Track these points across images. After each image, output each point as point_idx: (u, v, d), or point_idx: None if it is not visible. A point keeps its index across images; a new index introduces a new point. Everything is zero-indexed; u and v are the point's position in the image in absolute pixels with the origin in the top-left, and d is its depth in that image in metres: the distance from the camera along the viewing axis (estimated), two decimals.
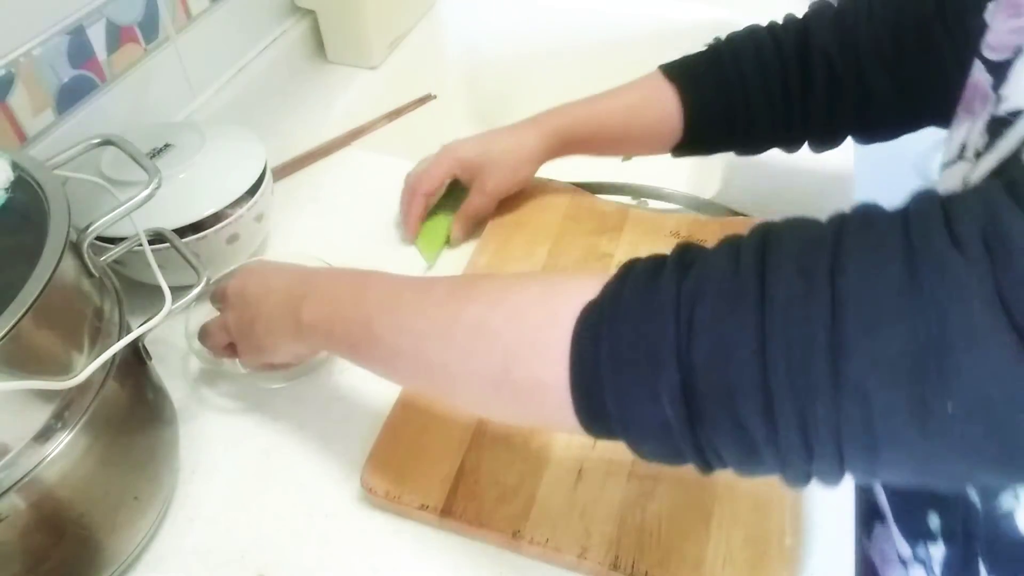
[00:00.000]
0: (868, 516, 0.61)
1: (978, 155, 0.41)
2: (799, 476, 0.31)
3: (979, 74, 0.44)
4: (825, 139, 0.64)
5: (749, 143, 0.67)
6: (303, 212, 0.76)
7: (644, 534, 0.49)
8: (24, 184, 0.43)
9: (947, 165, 0.46)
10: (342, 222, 0.75)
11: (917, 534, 0.55)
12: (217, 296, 0.56)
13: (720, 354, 0.30)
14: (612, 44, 1.05)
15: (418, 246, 0.71)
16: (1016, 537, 0.46)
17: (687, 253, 0.34)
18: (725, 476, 0.51)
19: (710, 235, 0.69)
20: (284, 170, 0.80)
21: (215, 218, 0.62)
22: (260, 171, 0.66)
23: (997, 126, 0.39)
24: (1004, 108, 0.39)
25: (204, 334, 0.57)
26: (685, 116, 0.64)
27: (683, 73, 0.64)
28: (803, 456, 0.30)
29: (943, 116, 0.48)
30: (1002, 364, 0.26)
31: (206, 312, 0.61)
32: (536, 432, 0.55)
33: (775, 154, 0.81)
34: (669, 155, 0.68)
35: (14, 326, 0.36)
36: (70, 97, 0.67)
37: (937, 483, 0.31)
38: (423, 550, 0.51)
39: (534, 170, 0.70)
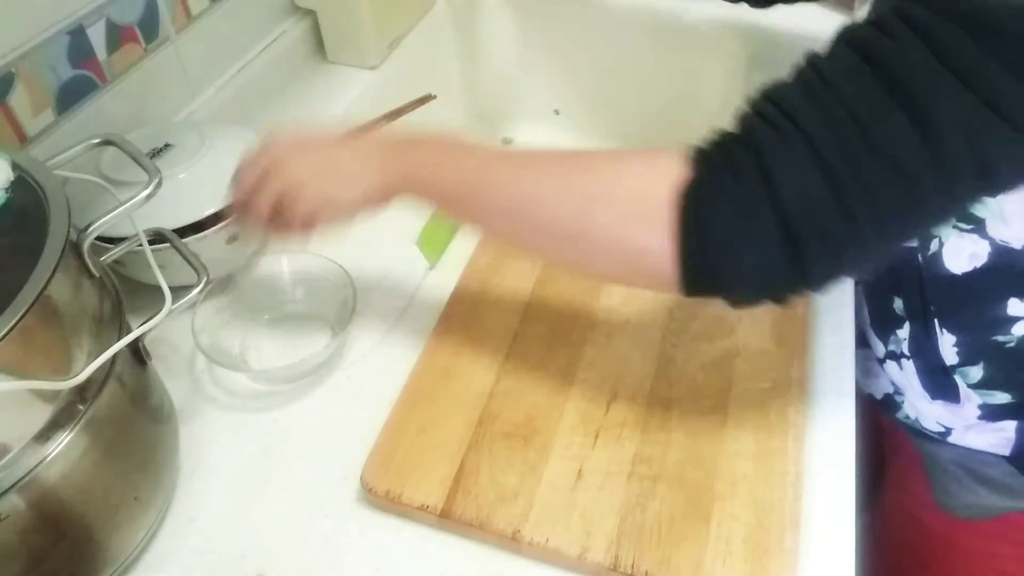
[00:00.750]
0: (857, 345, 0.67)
1: None
2: (873, 251, 0.41)
3: None
4: None
5: None
6: None
7: (644, 534, 0.49)
8: (24, 184, 0.43)
9: None
10: None
11: (887, 326, 0.65)
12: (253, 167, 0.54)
13: (803, 193, 0.39)
14: (613, 42, 1.05)
15: (420, 246, 0.71)
16: (946, 274, 0.57)
17: (734, 135, 0.43)
18: (725, 476, 0.51)
19: None
20: None
21: (215, 218, 0.62)
22: None
23: None
24: None
25: (241, 199, 0.54)
26: None
27: None
28: (876, 231, 0.40)
29: None
30: (968, 111, 0.37)
31: (211, 310, 0.61)
32: (536, 432, 0.55)
33: None
34: None
35: (14, 326, 0.36)
36: (70, 97, 0.67)
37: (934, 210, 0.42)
38: (423, 550, 0.51)
39: None
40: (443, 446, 0.54)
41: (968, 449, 0.63)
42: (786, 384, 0.57)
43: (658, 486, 0.51)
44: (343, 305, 0.63)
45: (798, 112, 0.40)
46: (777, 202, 0.39)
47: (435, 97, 0.97)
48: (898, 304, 0.63)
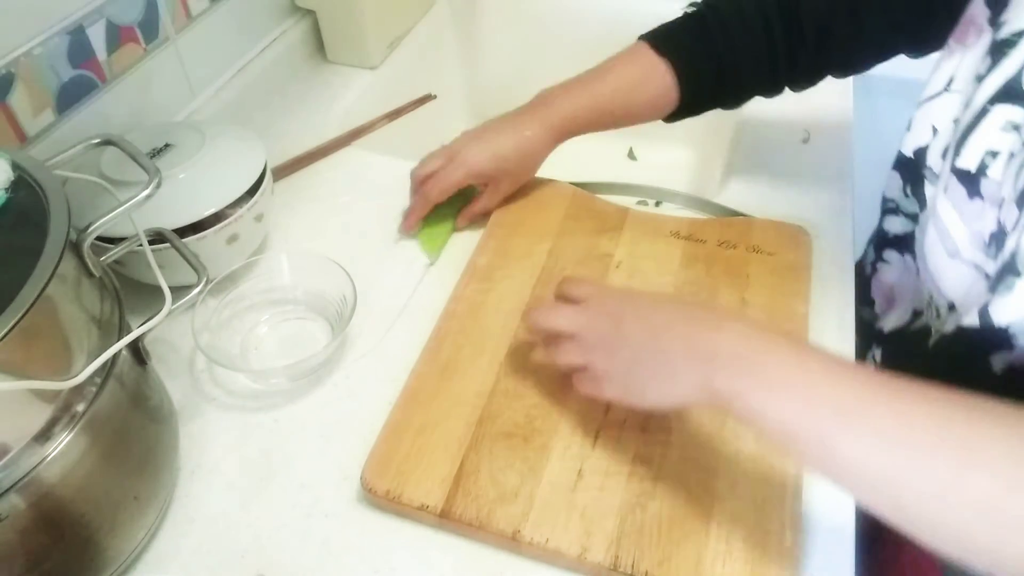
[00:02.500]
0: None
1: (979, 79, 0.49)
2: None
3: (976, 8, 0.52)
4: (806, 81, 0.69)
5: (737, 100, 0.72)
6: (303, 212, 0.76)
7: (644, 534, 0.49)
8: (24, 184, 0.43)
9: (929, 99, 0.54)
10: (342, 222, 0.75)
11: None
12: (571, 296, 0.53)
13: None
14: (614, 43, 1.05)
15: (421, 243, 0.71)
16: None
17: None
18: (725, 476, 0.51)
19: (710, 235, 0.69)
20: (284, 170, 0.80)
21: (215, 218, 0.62)
22: (260, 171, 0.66)
23: (1000, 48, 0.48)
24: (1006, 31, 0.48)
25: (555, 347, 0.52)
26: (681, 89, 0.68)
27: (673, 47, 0.68)
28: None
29: (921, 46, 0.62)
30: None
31: (211, 310, 0.61)
32: (536, 432, 0.55)
33: (775, 154, 0.81)
34: (662, 122, 0.72)
35: (14, 326, 0.36)
36: (70, 97, 0.67)
37: None
38: (423, 550, 0.51)
39: (541, 164, 0.73)
40: (443, 446, 0.54)
41: None
42: None
43: (658, 486, 0.51)
44: (343, 305, 0.63)
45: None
46: None
47: (435, 97, 0.97)
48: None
